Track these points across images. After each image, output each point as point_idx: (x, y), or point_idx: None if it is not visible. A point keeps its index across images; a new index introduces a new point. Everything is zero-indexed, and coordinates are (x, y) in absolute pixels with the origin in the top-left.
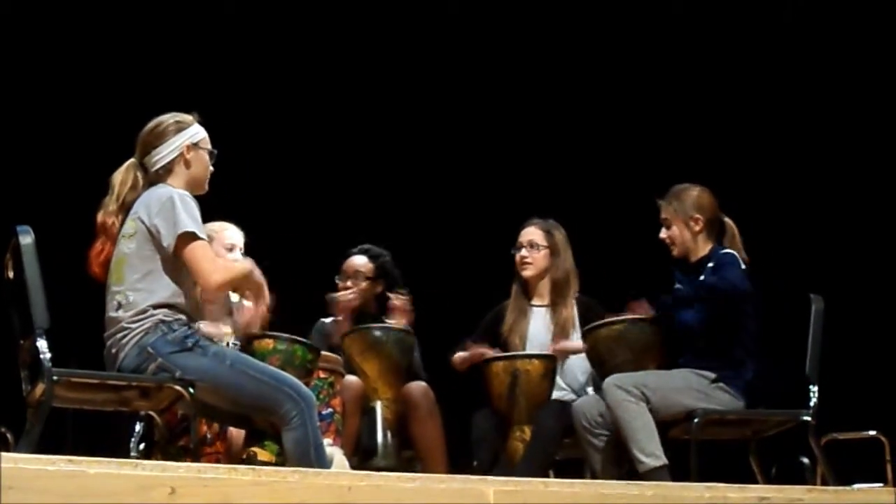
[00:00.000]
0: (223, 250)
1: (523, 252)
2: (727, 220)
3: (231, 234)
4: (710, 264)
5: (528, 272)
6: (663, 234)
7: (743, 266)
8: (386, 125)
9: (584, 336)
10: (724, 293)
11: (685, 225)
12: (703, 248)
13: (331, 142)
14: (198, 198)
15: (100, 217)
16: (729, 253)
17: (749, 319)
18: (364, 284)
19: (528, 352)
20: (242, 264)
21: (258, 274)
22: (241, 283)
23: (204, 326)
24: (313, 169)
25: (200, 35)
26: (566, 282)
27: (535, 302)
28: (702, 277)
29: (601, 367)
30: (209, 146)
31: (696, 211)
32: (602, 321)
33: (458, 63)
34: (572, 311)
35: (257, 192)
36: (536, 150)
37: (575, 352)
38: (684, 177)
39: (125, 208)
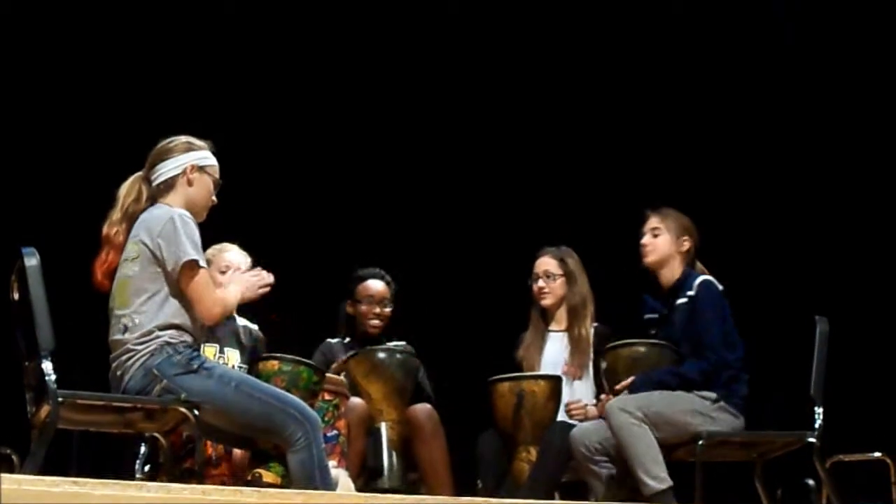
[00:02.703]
0: (217, 274)
1: (540, 283)
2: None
3: (230, 256)
4: (690, 293)
5: (546, 301)
6: (647, 239)
7: (720, 290)
8: (394, 143)
9: (605, 353)
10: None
11: (673, 240)
12: (676, 269)
13: (338, 160)
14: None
15: (105, 229)
16: (706, 281)
17: (730, 338)
18: (388, 311)
19: (533, 372)
20: (235, 290)
21: (247, 278)
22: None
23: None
24: (320, 189)
25: (209, 53)
26: (583, 306)
27: (552, 327)
28: (679, 301)
29: (616, 385)
30: (216, 175)
31: (687, 234)
32: (625, 341)
33: (480, 86)
34: (589, 335)
35: (262, 212)
36: (549, 174)
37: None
38: (692, 198)
39: (128, 219)
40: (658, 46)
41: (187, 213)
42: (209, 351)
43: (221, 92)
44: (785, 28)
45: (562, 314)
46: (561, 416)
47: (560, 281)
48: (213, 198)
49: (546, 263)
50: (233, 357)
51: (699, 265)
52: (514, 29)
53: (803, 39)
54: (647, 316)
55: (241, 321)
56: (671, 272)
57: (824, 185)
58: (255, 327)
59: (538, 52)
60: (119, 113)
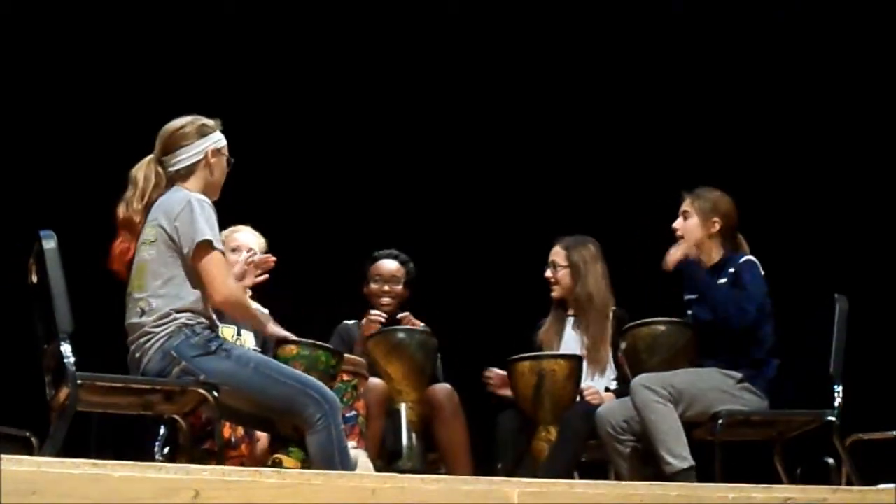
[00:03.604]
0: (229, 253)
1: (548, 273)
2: (741, 237)
3: (240, 236)
4: (731, 270)
5: (555, 293)
6: (678, 224)
7: (762, 272)
8: (413, 125)
9: (623, 334)
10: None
11: (702, 223)
12: (714, 252)
13: (358, 144)
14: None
15: (122, 212)
16: (750, 259)
17: (766, 318)
18: (399, 289)
19: (553, 352)
20: (254, 311)
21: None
22: (243, 318)
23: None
24: (340, 173)
25: (218, 39)
26: (588, 300)
27: (571, 312)
28: (720, 281)
29: (637, 365)
30: (227, 153)
31: (717, 214)
32: (643, 321)
33: (495, 74)
34: (603, 326)
35: (283, 197)
36: (569, 155)
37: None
38: (712, 178)
39: (149, 206)
40: (675, 30)
41: (206, 199)
42: (227, 332)
43: (239, 77)
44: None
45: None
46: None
47: (564, 272)
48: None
49: (555, 254)
50: (248, 340)
51: (743, 242)
52: (533, 12)
53: (810, 33)
54: (688, 297)
55: (254, 305)
56: (708, 255)
57: (843, 162)
58: (265, 311)
59: (561, 36)
60: (133, 94)
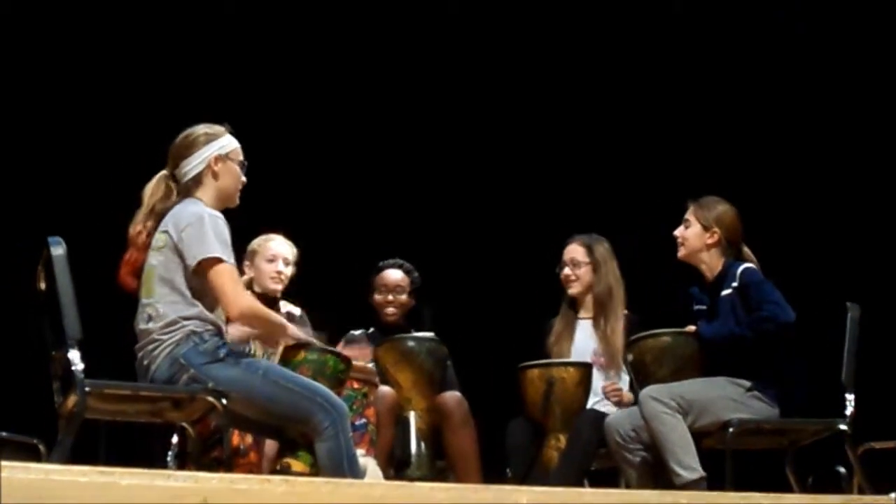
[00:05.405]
0: (264, 263)
1: (566, 271)
2: (746, 249)
3: (274, 245)
4: (734, 283)
5: (573, 290)
6: (678, 231)
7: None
8: (422, 133)
9: (629, 346)
10: (773, 328)
11: (701, 232)
12: (714, 262)
13: (366, 151)
14: (228, 212)
15: (131, 229)
16: (750, 268)
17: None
18: (404, 298)
19: (563, 359)
20: (274, 315)
21: (291, 331)
22: (263, 328)
23: (232, 330)
24: (346, 180)
25: (229, 49)
26: (608, 296)
27: (582, 315)
28: (724, 292)
29: (644, 378)
30: (240, 157)
31: (717, 224)
32: (648, 332)
33: (494, 81)
34: (618, 324)
35: (290, 205)
36: (580, 159)
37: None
38: (720, 184)
39: (155, 217)
40: (692, 30)
41: (219, 215)
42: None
43: (244, 86)
44: (796, 22)
45: (590, 302)
46: (590, 404)
47: (586, 269)
48: (243, 178)
49: (573, 251)
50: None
51: (746, 252)
52: (545, 13)
53: (816, 31)
54: (697, 307)
55: (286, 307)
56: (709, 266)
57: (856, 168)
58: (297, 310)
59: (571, 37)
60: (143, 104)
